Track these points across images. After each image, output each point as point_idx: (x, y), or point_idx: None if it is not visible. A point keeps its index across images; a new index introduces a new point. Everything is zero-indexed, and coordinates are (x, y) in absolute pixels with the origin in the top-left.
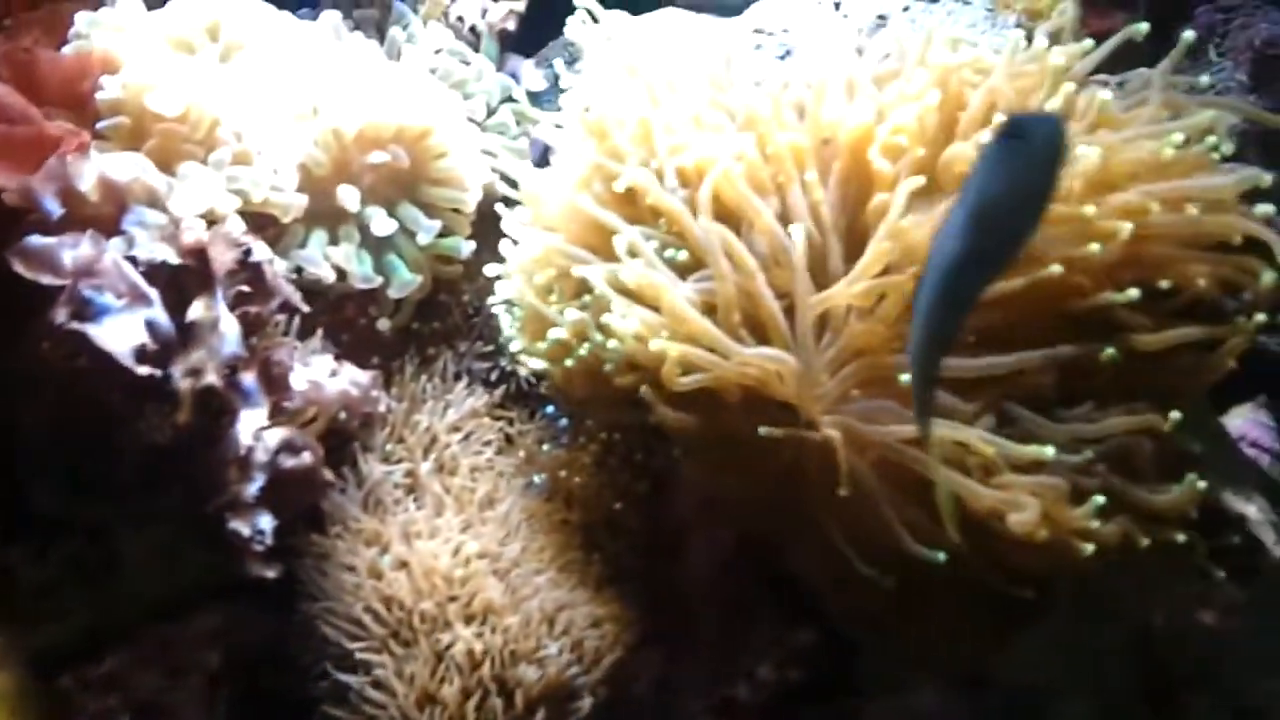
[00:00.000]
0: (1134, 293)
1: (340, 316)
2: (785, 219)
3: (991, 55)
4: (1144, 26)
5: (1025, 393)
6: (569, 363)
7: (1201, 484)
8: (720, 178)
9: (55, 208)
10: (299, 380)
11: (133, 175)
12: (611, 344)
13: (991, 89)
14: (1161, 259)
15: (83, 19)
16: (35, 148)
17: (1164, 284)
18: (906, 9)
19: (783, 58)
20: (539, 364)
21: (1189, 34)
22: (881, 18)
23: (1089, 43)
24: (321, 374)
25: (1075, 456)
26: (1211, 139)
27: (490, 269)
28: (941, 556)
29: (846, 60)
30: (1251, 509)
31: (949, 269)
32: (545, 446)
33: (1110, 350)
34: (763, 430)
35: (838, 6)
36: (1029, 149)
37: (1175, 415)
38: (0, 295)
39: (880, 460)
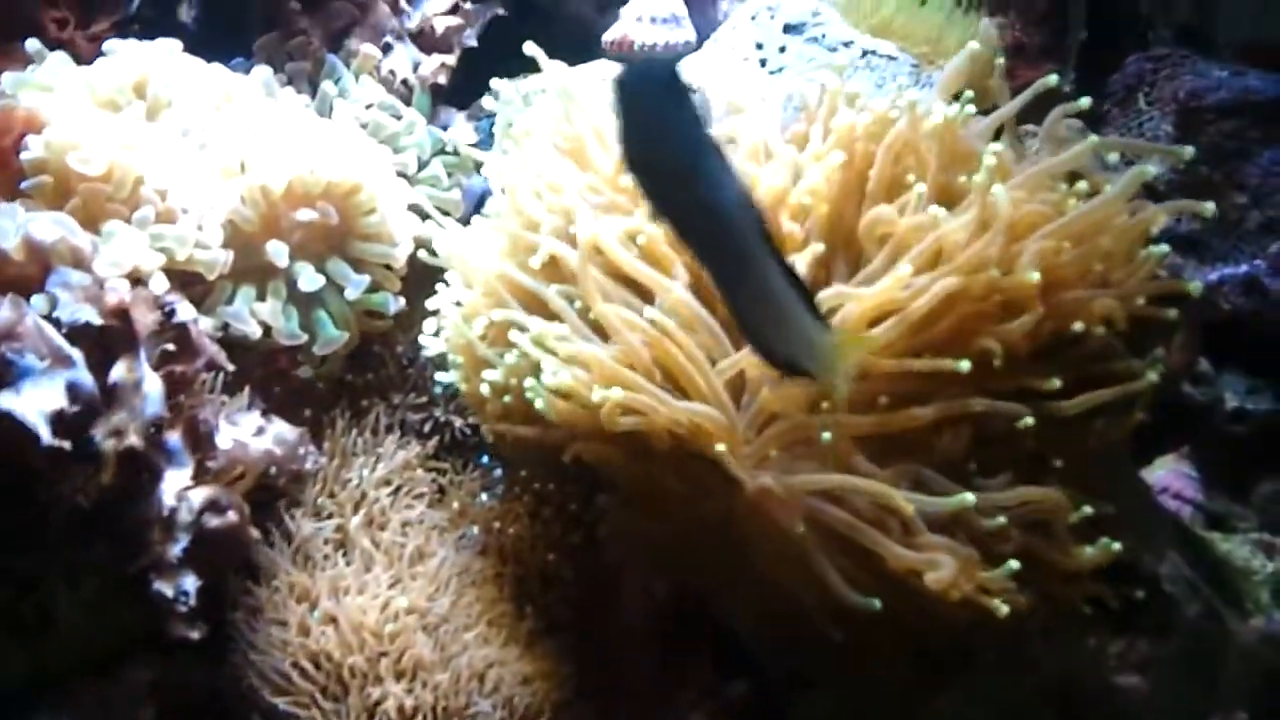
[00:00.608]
0: (1056, 382)
1: (273, 369)
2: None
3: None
4: (1053, 79)
5: (941, 460)
6: (506, 399)
7: (1116, 546)
8: (610, 252)
9: None
10: (224, 439)
11: (57, 236)
12: (539, 404)
13: (890, 146)
14: (1073, 302)
15: (9, 79)
16: None
17: (1077, 326)
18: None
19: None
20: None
21: (1085, 100)
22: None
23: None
24: (247, 432)
25: (990, 521)
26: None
27: (428, 324)
28: (876, 603)
29: (763, 122)
30: (1167, 567)
31: None
32: (479, 498)
33: (1028, 419)
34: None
35: (764, 64)
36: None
37: (1087, 510)
38: None
39: (807, 515)
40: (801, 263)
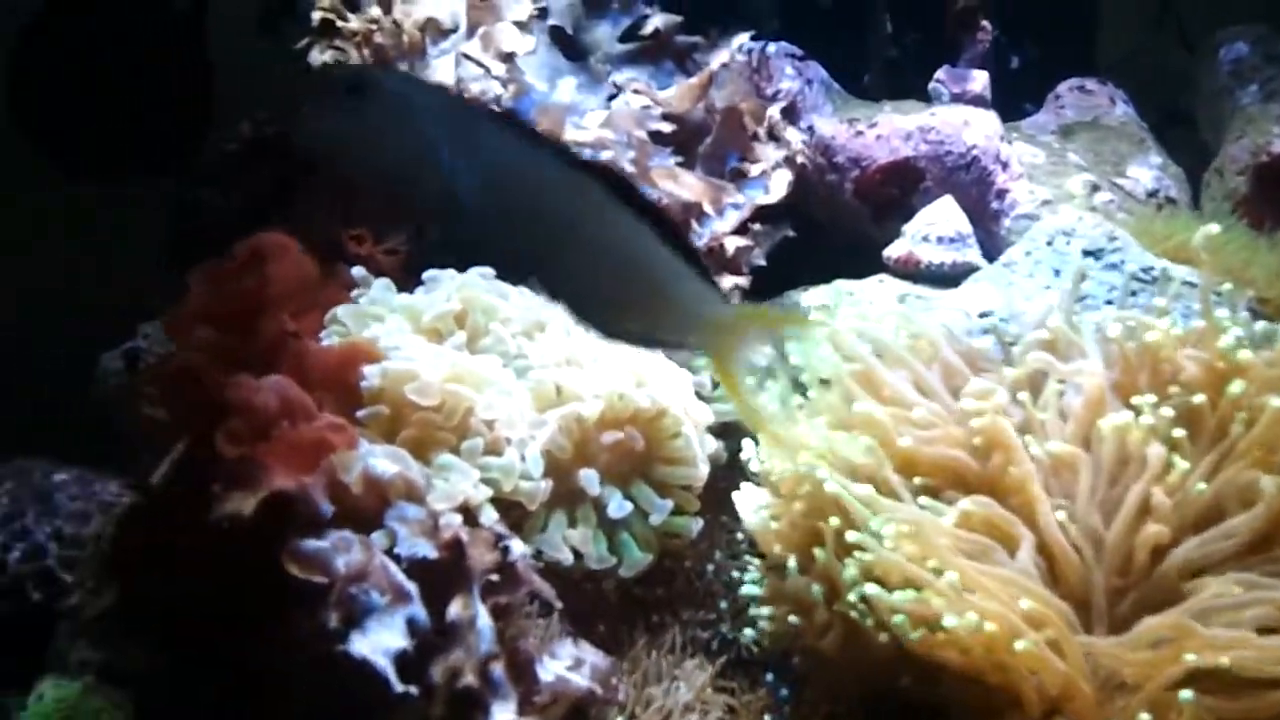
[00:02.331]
0: None
1: (566, 582)
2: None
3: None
4: None
5: None
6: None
7: None
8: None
9: (327, 508)
10: (546, 672)
11: (395, 471)
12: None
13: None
14: None
15: (344, 311)
16: (315, 450)
17: None
18: (1135, 293)
19: (1012, 345)
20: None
21: None
22: (1109, 303)
23: None
24: (567, 665)
25: None
26: None
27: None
28: None
29: (1094, 367)
30: None
31: None
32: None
33: None
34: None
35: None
36: None
37: None
38: (256, 584)
39: None
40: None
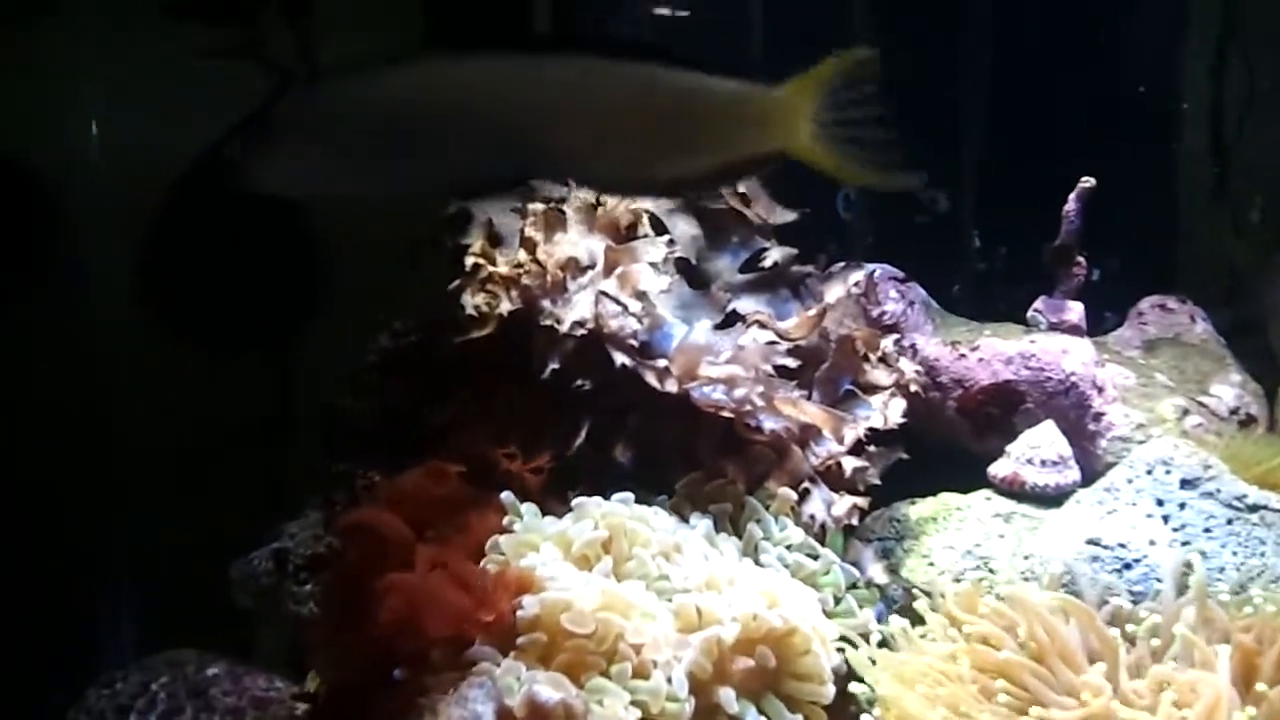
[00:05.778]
0: None
1: None
2: None
3: None
4: None
5: None
6: None
7: None
8: None
9: None
10: None
11: (558, 698)
12: None
13: None
14: None
15: (505, 540)
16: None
17: None
18: (1231, 521)
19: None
20: None
21: None
22: (1207, 530)
23: None
24: None
25: None
26: None
27: None
28: None
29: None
30: None
31: None
32: None
33: None
34: None
35: (1166, 520)
36: None
37: None
38: None
39: None
40: None
